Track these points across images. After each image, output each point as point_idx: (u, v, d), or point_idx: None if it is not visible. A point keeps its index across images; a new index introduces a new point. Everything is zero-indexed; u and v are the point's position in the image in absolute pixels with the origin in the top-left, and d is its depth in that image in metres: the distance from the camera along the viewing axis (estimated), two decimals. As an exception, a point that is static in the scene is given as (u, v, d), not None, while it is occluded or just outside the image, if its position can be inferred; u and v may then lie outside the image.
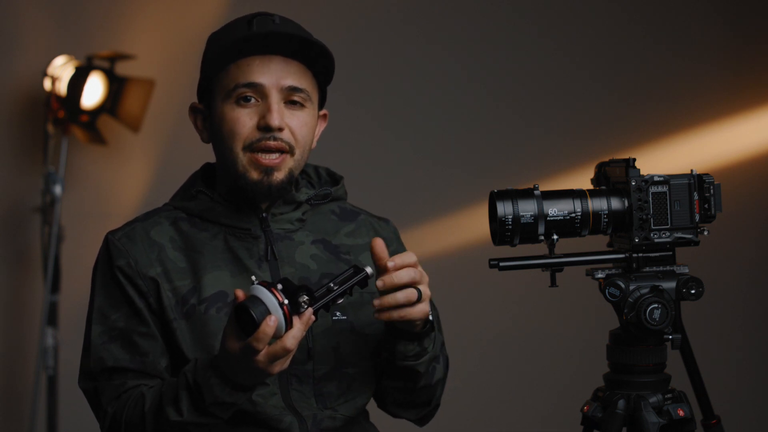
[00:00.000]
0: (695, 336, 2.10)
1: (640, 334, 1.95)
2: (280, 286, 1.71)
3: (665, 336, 1.94)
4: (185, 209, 2.00)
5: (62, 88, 3.59)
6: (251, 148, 1.91)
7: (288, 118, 1.93)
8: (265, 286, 1.70)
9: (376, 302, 1.80)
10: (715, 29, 4.40)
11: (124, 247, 1.95)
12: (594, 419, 2.00)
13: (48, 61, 3.61)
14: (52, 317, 3.58)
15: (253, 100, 1.92)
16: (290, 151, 1.93)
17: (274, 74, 1.93)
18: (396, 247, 2.09)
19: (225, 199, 1.98)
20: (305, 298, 1.71)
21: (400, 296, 1.80)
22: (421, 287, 1.82)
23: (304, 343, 1.92)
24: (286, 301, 1.70)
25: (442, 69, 4.14)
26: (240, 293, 1.72)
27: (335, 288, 1.76)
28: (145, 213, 2.03)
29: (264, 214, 1.97)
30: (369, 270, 1.79)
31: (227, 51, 1.93)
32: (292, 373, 1.92)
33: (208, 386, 1.77)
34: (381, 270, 1.80)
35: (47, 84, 3.61)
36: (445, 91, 4.14)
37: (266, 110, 1.91)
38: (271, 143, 1.91)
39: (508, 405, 4.18)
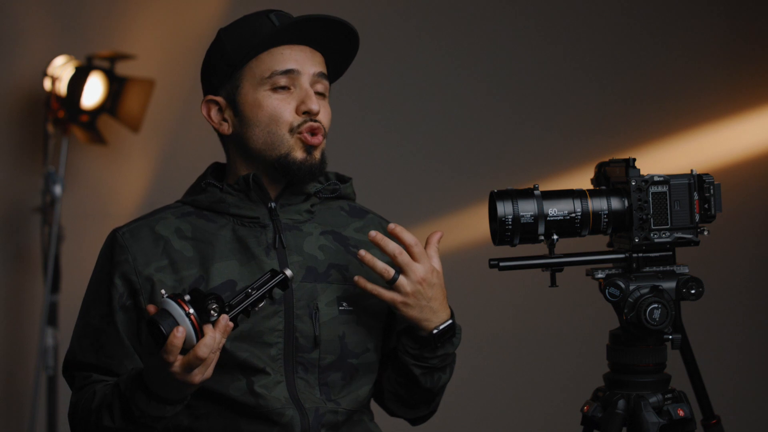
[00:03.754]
0: (695, 336, 2.10)
1: (640, 334, 1.95)
2: (187, 297, 1.73)
3: (665, 336, 1.94)
4: (194, 203, 2.01)
5: (62, 88, 3.59)
6: (297, 130, 1.97)
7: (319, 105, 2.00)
8: (172, 298, 1.73)
9: (362, 252, 1.89)
10: (715, 29, 4.40)
11: (125, 243, 1.96)
12: (594, 419, 2.00)
13: (48, 61, 3.61)
14: (52, 317, 3.58)
15: (288, 88, 1.98)
16: (324, 134, 2.00)
17: (306, 62, 1.99)
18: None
19: (234, 189, 2.00)
20: (214, 305, 1.74)
21: (379, 265, 1.89)
22: (401, 276, 1.89)
23: (311, 331, 1.93)
24: (191, 311, 1.72)
25: (442, 69, 4.14)
26: (151, 308, 1.77)
27: (253, 293, 1.79)
28: (153, 210, 2.05)
29: (273, 204, 1.99)
30: (288, 272, 1.81)
31: (259, 39, 1.97)
32: (298, 361, 1.93)
33: (134, 400, 1.81)
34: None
35: (47, 84, 3.61)
36: (445, 91, 4.14)
37: (305, 95, 1.97)
38: (314, 125, 1.97)
39: (508, 405, 4.18)
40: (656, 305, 1.92)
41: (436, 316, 1.92)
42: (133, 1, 3.81)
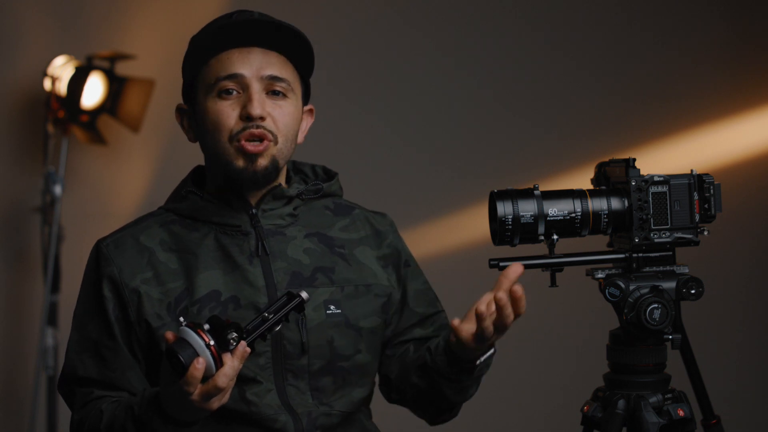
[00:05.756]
0: (695, 336, 2.09)
1: (640, 334, 1.95)
2: (207, 326, 1.72)
3: (665, 336, 1.94)
4: (176, 211, 2.00)
5: (62, 88, 3.59)
6: (236, 138, 1.92)
7: (270, 108, 1.94)
8: (191, 328, 1.72)
9: (499, 295, 1.87)
10: (715, 29, 4.40)
11: (110, 254, 1.95)
12: (594, 419, 2.00)
13: (48, 61, 3.61)
14: (52, 317, 3.58)
15: (234, 92, 1.94)
16: (273, 139, 1.94)
17: (254, 65, 1.94)
18: (392, 239, 2.09)
19: (215, 197, 1.99)
20: (234, 335, 1.73)
21: (509, 313, 1.86)
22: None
23: (298, 338, 1.92)
24: (212, 342, 1.71)
25: (442, 69, 4.14)
26: (170, 335, 1.75)
27: (270, 317, 1.77)
28: (137, 218, 2.03)
29: (254, 210, 1.97)
30: (304, 295, 1.80)
31: (207, 45, 1.95)
32: (288, 369, 1.92)
33: (151, 424, 1.80)
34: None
35: (47, 84, 3.61)
36: (445, 90, 4.14)
37: (247, 100, 1.92)
38: (255, 131, 1.92)
39: (509, 405, 4.18)
40: (656, 305, 1.92)
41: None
42: (133, 1, 3.81)
